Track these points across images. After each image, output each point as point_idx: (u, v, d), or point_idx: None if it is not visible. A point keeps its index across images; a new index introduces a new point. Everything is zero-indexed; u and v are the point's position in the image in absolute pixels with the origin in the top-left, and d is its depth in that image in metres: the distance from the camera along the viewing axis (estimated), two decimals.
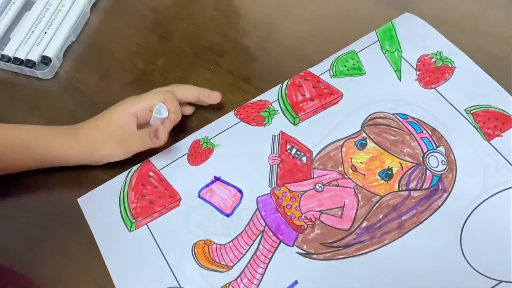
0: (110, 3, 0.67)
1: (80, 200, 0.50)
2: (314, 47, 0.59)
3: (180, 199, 0.49)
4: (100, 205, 0.50)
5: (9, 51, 0.61)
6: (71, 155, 0.50)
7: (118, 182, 0.51)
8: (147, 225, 0.48)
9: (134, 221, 0.49)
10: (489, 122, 0.50)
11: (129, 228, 0.48)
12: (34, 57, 0.61)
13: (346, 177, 0.49)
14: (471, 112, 0.50)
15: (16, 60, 0.61)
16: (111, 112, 0.50)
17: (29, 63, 0.60)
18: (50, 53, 0.61)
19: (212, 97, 0.53)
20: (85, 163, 0.51)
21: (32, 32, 0.63)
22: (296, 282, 0.44)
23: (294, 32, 0.61)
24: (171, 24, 0.64)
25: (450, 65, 0.54)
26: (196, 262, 0.46)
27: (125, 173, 0.51)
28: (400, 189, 0.48)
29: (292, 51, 0.59)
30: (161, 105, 0.48)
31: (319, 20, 0.62)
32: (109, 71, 0.60)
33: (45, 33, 0.62)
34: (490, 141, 0.49)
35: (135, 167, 0.51)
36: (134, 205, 0.49)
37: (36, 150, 0.50)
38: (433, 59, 0.54)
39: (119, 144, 0.49)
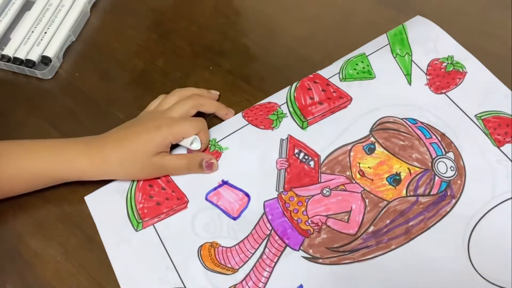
0: (110, 3, 0.67)
1: (87, 198, 0.51)
2: (314, 47, 0.60)
3: (188, 201, 0.50)
4: (107, 204, 0.51)
5: (9, 51, 0.62)
6: (92, 174, 0.50)
7: (125, 182, 0.51)
8: (154, 226, 0.49)
9: (140, 221, 0.49)
10: (499, 128, 0.50)
11: (135, 228, 0.49)
12: (34, 57, 0.61)
13: (354, 181, 0.49)
14: (482, 118, 0.51)
15: (16, 60, 0.61)
16: (142, 136, 0.48)
17: (29, 63, 0.61)
18: (50, 53, 0.61)
19: (228, 116, 0.54)
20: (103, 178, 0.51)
21: (32, 32, 0.63)
22: (301, 286, 0.45)
23: (294, 32, 0.61)
24: (171, 24, 0.64)
25: (461, 70, 0.54)
26: (202, 264, 0.47)
27: None
28: (408, 194, 0.48)
29: (292, 51, 0.60)
30: (195, 138, 0.50)
31: (319, 20, 0.62)
32: (109, 71, 0.61)
33: (45, 33, 0.63)
34: (501, 148, 0.49)
35: None
36: (141, 205, 0.50)
37: (59, 174, 0.49)
38: (444, 64, 0.54)
39: (146, 170, 0.50)
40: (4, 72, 0.63)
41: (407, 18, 0.59)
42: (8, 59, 0.61)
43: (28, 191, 0.51)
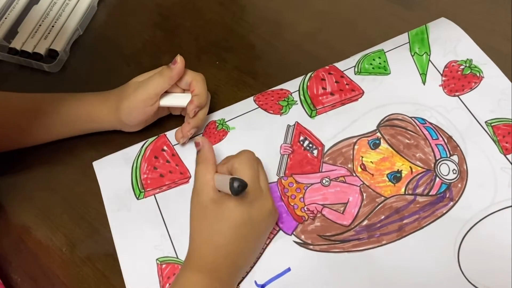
0: None
1: (95, 164, 0.55)
2: (320, 42, 0.62)
3: (190, 176, 0.53)
4: (113, 171, 0.55)
5: (16, 44, 0.65)
6: (103, 113, 0.54)
7: (133, 151, 0.55)
8: (155, 196, 0.53)
9: (143, 190, 0.53)
10: (508, 136, 0.51)
11: (137, 196, 0.53)
12: (41, 50, 0.64)
13: (354, 174, 0.52)
14: (492, 124, 0.52)
15: (24, 53, 0.64)
16: (138, 84, 0.53)
17: (36, 56, 0.64)
18: (57, 47, 0.64)
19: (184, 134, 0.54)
20: (115, 121, 0.54)
21: (40, 25, 0.66)
22: (289, 269, 0.47)
23: (301, 28, 0.64)
24: (178, 19, 0.67)
25: (478, 74, 0.55)
26: None
27: (141, 143, 0.56)
28: (406, 192, 0.50)
29: (298, 46, 0.63)
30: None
31: (325, 15, 0.65)
32: (116, 66, 0.63)
33: (53, 26, 0.66)
34: (507, 156, 0.50)
35: (150, 139, 0.56)
36: (145, 175, 0.54)
37: (81, 115, 0.54)
38: (462, 66, 0.56)
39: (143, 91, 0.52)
40: (11, 65, 0.65)
41: (415, 16, 0.61)
42: (16, 52, 0.64)
43: (72, 135, 0.56)
